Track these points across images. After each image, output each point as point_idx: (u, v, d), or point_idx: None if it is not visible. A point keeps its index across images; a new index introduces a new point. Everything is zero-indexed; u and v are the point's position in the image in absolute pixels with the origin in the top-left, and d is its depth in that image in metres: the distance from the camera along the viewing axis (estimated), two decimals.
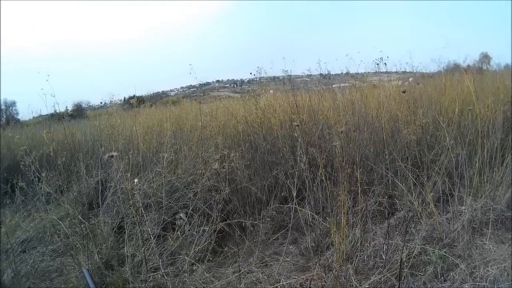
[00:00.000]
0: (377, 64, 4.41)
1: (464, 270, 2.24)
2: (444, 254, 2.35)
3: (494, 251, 2.41)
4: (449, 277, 2.25)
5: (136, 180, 2.91)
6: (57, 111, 4.02)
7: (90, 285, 1.23)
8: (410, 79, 5.37)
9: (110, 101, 6.01)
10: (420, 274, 2.31)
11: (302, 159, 2.71)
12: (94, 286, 1.25)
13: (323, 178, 2.70)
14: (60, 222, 2.98)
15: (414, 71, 5.19)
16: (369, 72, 4.63)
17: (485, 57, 6.63)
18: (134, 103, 3.77)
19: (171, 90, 19.97)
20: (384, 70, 4.59)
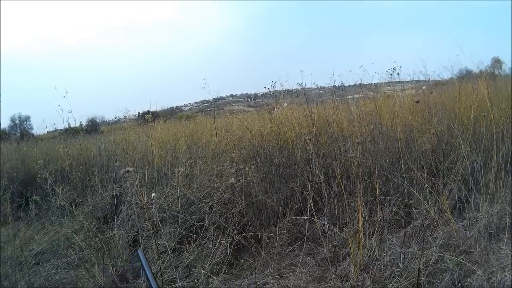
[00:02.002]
0: (391, 74, 4.39)
1: (481, 276, 2.22)
2: (461, 261, 2.35)
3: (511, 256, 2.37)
4: (466, 284, 2.23)
5: (153, 194, 2.88)
6: (72, 126, 3.99)
7: (145, 267, 1.21)
8: (423, 88, 5.37)
9: (124, 116, 6.01)
10: (437, 282, 2.29)
11: (316, 171, 2.69)
12: (148, 268, 1.22)
13: (340, 188, 2.68)
14: (75, 235, 3.01)
15: (427, 80, 5.19)
16: (382, 83, 4.63)
17: (497, 62, 6.65)
18: (149, 118, 3.74)
19: (185, 105, 20.06)
20: (397, 79, 4.59)
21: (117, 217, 3.06)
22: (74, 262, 2.89)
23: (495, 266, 2.28)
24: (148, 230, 2.75)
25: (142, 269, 1.30)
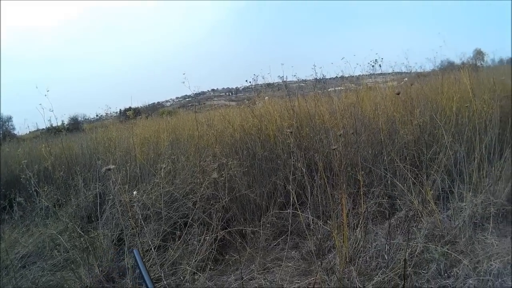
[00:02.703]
0: (372, 66, 4.39)
1: (467, 266, 2.18)
2: (447, 251, 2.32)
3: (497, 245, 2.37)
4: (452, 273, 2.19)
5: (135, 193, 2.82)
6: (54, 125, 3.91)
7: (140, 266, 1.17)
8: (405, 79, 5.33)
9: (106, 113, 5.89)
10: (423, 272, 2.25)
11: (299, 164, 2.64)
12: (144, 267, 1.17)
13: (323, 181, 2.63)
14: (59, 236, 2.94)
15: (409, 71, 5.17)
16: (364, 75, 4.58)
17: (479, 54, 6.63)
18: (131, 115, 3.65)
19: (167, 101, 19.84)
20: (379, 71, 4.55)
21: (101, 216, 2.98)
22: (60, 263, 2.83)
23: (480, 256, 2.26)
24: (133, 229, 2.69)
25: (138, 268, 1.27)
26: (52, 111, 3.49)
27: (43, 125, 4.04)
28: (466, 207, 2.70)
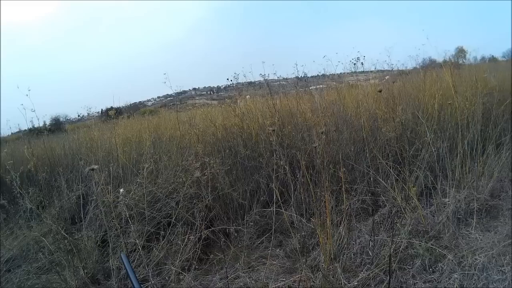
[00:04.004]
0: (354, 64, 4.31)
1: (452, 260, 2.15)
2: (431, 246, 2.28)
3: (481, 240, 2.34)
4: (437, 268, 2.17)
5: (122, 190, 2.73)
6: (36, 126, 3.82)
7: (128, 270, 1.13)
8: (386, 77, 5.27)
9: (88, 113, 5.76)
10: (408, 268, 2.22)
11: (281, 162, 2.57)
12: (132, 271, 1.13)
13: (305, 179, 2.57)
14: (44, 239, 2.85)
15: (391, 69, 5.10)
16: (346, 73, 4.51)
17: (461, 52, 6.59)
18: (112, 114, 3.56)
19: (148, 100, 19.38)
20: (361, 69, 4.49)
21: (85, 217, 2.91)
22: (45, 266, 2.74)
23: (465, 250, 2.22)
24: (116, 229, 2.62)
25: (126, 272, 1.32)
26: (34, 111, 3.40)
27: (25, 126, 3.95)
28: (450, 202, 2.67)
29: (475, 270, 2.05)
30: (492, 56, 8.91)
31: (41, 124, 3.96)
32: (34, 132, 4.41)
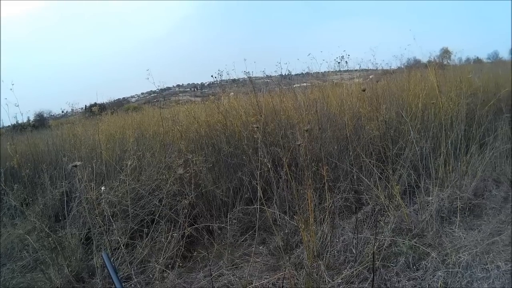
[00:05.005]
0: (339, 62, 4.25)
1: (435, 258, 2.13)
2: (415, 244, 2.26)
3: (464, 238, 2.33)
4: (421, 266, 2.14)
5: (103, 188, 2.67)
6: (19, 122, 3.72)
7: (109, 269, 1.14)
8: (371, 76, 5.23)
9: (72, 109, 5.65)
10: (392, 265, 2.19)
11: (265, 159, 2.52)
12: (114, 270, 1.13)
13: (288, 177, 2.52)
14: (28, 237, 2.77)
15: (376, 69, 5.06)
16: (330, 71, 4.46)
17: (446, 53, 6.60)
18: (96, 111, 3.48)
19: (132, 96, 19.08)
20: (345, 68, 4.45)
21: (68, 214, 2.84)
22: (30, 264, 2.68)
23: (448, 248, 2.20)
24: (100, 227, 2.56)
25: (107, 271, 1.31)
26: (18, 106, 3.30)
27: (8, 122, 3.86)
28: (433, 201, 2.64)
29: (459, 268, 2.03)
30: (477, 57, 8.96)
31: (25, 120, 3.88)
32: (18, 128, 4.32)
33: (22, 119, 3.61)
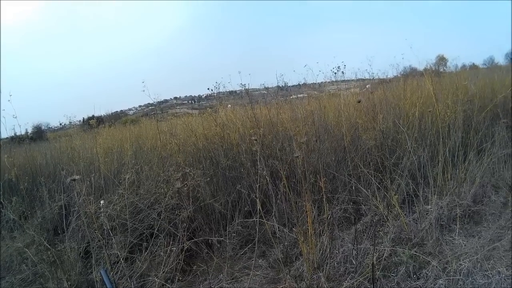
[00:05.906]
0: (335, 73, 4.24)
1: (436, 267, 2.12)
2: (415, 253, 2.24)
3: (465, 245, 2.30)
4: (422, 275, 2.12)
5: (102, 202, 2.64)
6: (17, 134, 3.69)
7: (107, 285, 1.19)
8: (367, 86, 5.20)
9: (70, 122, 5.61)
10: (392, 275, 2.17)
11: (263, 172, 2.49)
12: (111, 286, 1.18)
13: (286, 189, 2.50)
14: (27, 250, 2.73)
15: (372, 78, 5.05)
16: (327, 82, 4.43)
17: (442, 60, 6.58)
18: (94, 123, 3.45)
19: (130, 109, 19.09)
20: (342, 78, 4.41)
21: (67, 228, 2.81)
22: (29, 277, 2.65)
23: (449, 256, 2.19)
24: (99, 241, 2.53)
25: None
26: (16, 117, 3.27)
27: (5, 134, 3.83)
28: (432, 209, 2.62)
29: (460, 276, 2.01)
30: (473, 63, 8.95)
31: (23, 132, 3.84)
32: (16, 140, 4.28)
33: (20, 131, 3.59)
